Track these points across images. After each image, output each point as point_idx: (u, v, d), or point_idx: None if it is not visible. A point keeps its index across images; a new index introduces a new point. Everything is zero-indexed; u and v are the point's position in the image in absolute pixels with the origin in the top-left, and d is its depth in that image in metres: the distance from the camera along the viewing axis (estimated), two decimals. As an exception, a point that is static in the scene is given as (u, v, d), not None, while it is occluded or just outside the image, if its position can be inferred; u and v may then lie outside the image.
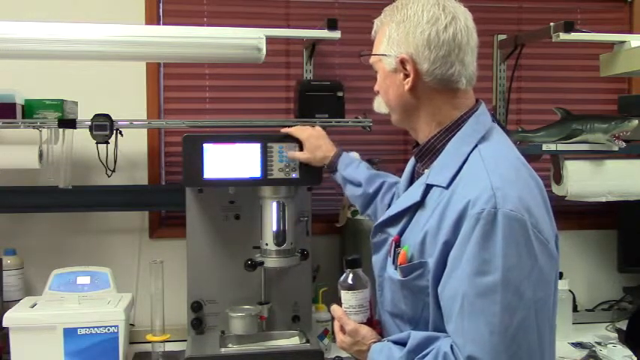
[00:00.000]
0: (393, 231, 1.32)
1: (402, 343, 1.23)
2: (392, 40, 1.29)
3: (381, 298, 1.36)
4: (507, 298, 1.09)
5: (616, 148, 2.33)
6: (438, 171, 1.26)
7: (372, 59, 1.37)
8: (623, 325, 2.40)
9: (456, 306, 1.13)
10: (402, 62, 1.27)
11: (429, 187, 1.26)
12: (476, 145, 1.24)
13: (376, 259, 1.39)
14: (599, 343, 2.35)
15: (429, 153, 1.31)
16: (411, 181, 1.42)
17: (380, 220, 1.39)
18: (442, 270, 1.17)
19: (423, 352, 1.18)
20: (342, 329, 1.37)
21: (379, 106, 1.41)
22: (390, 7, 1.33)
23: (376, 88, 1.39)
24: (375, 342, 1.31)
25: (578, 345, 2.33)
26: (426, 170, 1.31)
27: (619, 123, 2.30)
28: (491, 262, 1.10)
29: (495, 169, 1.18)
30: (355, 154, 2.31)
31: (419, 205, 1.27)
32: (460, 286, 1.12)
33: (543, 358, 1.16)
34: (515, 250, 1.11)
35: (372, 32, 1.38)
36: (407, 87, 1.28)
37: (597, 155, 2.40)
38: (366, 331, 1.33)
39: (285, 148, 2.05)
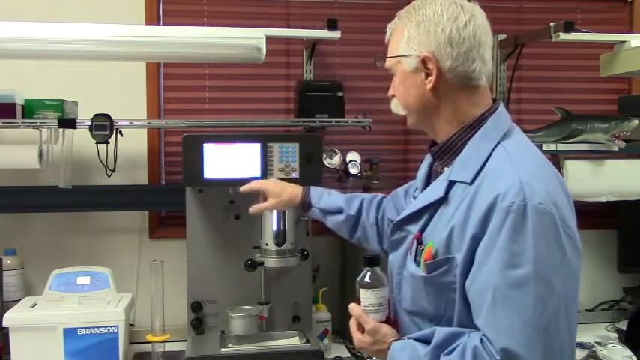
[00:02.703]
0: (414, 228, 1.32)
1: (424, 340, 1.22)
2: (412, 40, 1.28)
3: (399, 296, 1.35)
4: (539, 290, 1.11)
5: (616, 148, 2.33)
6: (461, 167, 1.26)
7: (390, 62, 1.35)
8: (623, 325, 2.40)
9: (487, 299, 1.13)
10: (424, 61, 1.27)
11: (451, 184, 1.26)
12: (499, 142, 1.25)
13: (394, 257, 1.38)
14: (599, 343, 2.35)
15: (449, 151, 1.31)
16: (428, 180, 1.42)
17: (399, 217, 1.38)
18: (471, 264, 1.18)
19: (450, 347, 1.18)
20: (360, 328, 1.35)
21: (397, 107, 1.37)
22: (406, 10, 1.33)
23: (391, 92, 1.37)
24: (395, 340, 1.30)
25: (578, 345, 2.33)
26: (446, 168, 1.32)
27: (619, 123, 2.30)
28: (522, 255, 1.11)
29: (522, 164, 1.19)
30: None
31: (442, 201, 1.27)
32: (491, 278, 1.13)
33: (572, 349, 1.18)
34: (545, 243, 1.12)
35: (387, 36, 1.37)
36: (429, 86, 1.28)
37: (597, 155, 2.40)
38: (386, 329, 1.32)
39: (285, 148, 2.05)
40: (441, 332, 1.20)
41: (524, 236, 1.12)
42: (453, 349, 1.17)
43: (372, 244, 1.66)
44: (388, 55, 1.35)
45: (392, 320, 1.35)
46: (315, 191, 1.76)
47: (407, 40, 1.29)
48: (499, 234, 1.13)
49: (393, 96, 1.37)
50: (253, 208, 1.84)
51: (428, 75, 1.28)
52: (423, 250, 1.26)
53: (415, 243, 1.29)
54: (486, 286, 1.14)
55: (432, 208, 1.29)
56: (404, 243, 1.35)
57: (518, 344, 1.10)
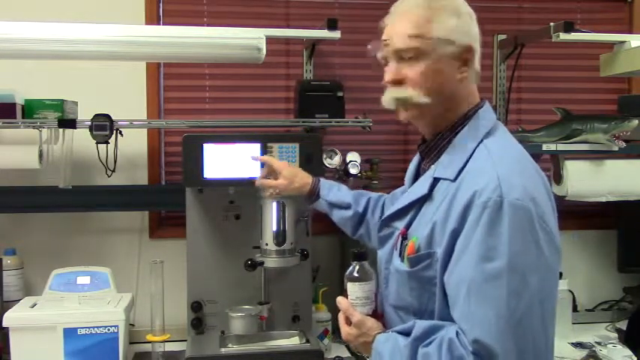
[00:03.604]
0: (400, 224, 1.34)
1: (406, 333, 1.24)
2: (456, 28, 1.27)
3: (386, 291, 1.37)
4: (513, 284, 1.12)
5: (616, 148, 2.33)
6: (445, 165, 1.28)
7: (420, 42, 1.25)
8: (623, 325, 2.40)
9: (462, 292, 1.15)
10: (466, 51, 1.28)
11: (436, 181, 1.28)
12: (482, 140, 1.27)
13: (382, 253, 1.40)
14: (599, 343, 2.35)
15: (435, 149, 1.33)
16: (416, 178, 1.43)
17: (387, 214, 1.40)
18: (450, 259, 1.19)
19: (428, 340, 1.19)
20: (348, 321, 1.37)
21: (390, 101, 1.31)
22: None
23: (397, 76, 1.28)
24: (379, 333, 1.31)
25: (578, 345, 2.33)
26: (432, 166, 1.33)
27: (619, 123, 2.30)
28: (497, 249, 1.13)
29: (501, 161, 1.21)
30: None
31: (426, 198, 1.29)
32: (466, 272, 1.15)
33: (547, 346, 1.18)
34: (521, 238, 1.13)
35: (406, 9, 1.28)
36: (460, 76, 1.28)
37: (597, 155, 2.40)
38: (371, 322, 1.34)
39: (285, 148, 2.05)
40: (420, 325, 1.22)
41: (499, 230, 1.13)
42: (431, 342, 1.18)
43: (374, 243, 1.67)
44: (413, 35, 1.25)
45: (379, 314, 1.37)
46: (325, 183, 1.79)
47: (448, 26, 1.26)
48: (476, 228, 1.15)
49: (399, 82, 1.28)
50: (262, 182, 1.85)
51: (462, 65, 1.28)
52: (407, 245, 1.28)
53: (400, 239, 1.31)
54: (462, 279, 1.15)
55: (417, 205, 1.31)
56: (391, 239, 1.37)
57: (490, 336, 1.11)
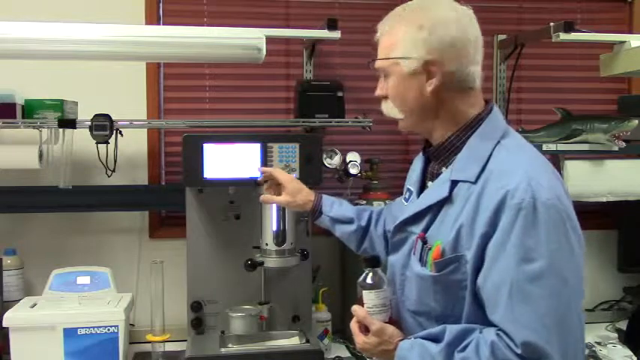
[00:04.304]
0: (416, 229, 1.33)
1: (432, 339, 1.23)
2: (415, 43, 1.27)
3: (402, 297, 1.35)
4: (555, 284, 1.14)
5: (616, 148, 2.33)
6: (462, 167, 1.27)
7: (385, 63, 1.33)
8: (623, 325, 2.41)
9: (504, 294, 1.15)
10: (427, 64, 1.27)
11: (454, 183, 1.27)
12: (498, 141, 1.27)
13: (395, 259, 1.39)
14: (599, 343, 2.35)
15: (446, 151, 1.33)
16: (422, 181, 1.42)
17: (401, 219, 1.38)
18: (481, 261, 1.19)
19: (463, 344, 1.18)
20: (363, 330, 1.35)
21: (391, 110, 1.36)
22: (401, 10, 1.32)
23: (381, 92, 1.37)
24: (402, 340, 1.30)
25: (578, 345, 2.33)
26: (444, 168, 1.32)
27: (619, 123, 2.30)
28: (536, 250, 1.14)
29: (525, 161, 1.22)
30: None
31: (445, 201, 1.28)
32: (507, 274, 1.15)
33: (582, 343, 1.21)
34: (556, 237, 1.15)
35: (377, 35, 1.36)
36: (430, 88, 1.28)
37: (597, 155, 2.40)
38: (392, 329, 1.32)
39: (285, 148, 2.05)
40: (452, 330, 1.21)
41: (537, 231, 1.14)
42: (466, 346, 1.18)
43: (382, 253, 1.66)
44: (382, 57, 1.34)
45: (393, 320, 1.36)
46: (327, 199, 1.77)
47: (408, 42, 1.28)
48: (512, 230, 1.15)
49: (385, 97, 1.36)
50: (264, 198, 1.83)
51: (429, 78, 1.28)
52: (430, 249, 1.27)
53: (420, 243, 1.30)
54: (502, 281, 1.15)
55: (435, 208, 1.30)
56: (406, 244, 1.36)
57: (538, 337, 1.12)
